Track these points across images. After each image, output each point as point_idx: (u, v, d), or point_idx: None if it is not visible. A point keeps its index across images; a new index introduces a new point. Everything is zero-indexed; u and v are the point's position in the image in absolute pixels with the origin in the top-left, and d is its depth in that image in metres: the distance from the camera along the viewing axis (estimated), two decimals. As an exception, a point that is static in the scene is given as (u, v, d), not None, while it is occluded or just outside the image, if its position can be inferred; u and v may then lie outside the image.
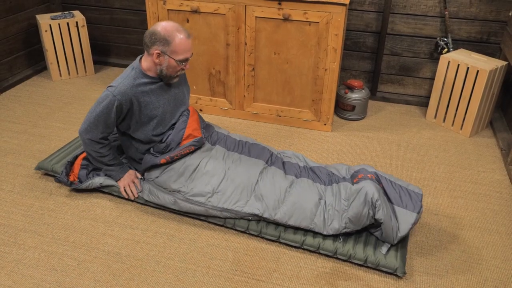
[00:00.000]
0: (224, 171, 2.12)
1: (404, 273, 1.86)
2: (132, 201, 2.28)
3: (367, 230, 2.04)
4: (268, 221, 2.07)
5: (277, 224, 2.06)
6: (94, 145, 2.15)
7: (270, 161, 2.25)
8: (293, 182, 2.12)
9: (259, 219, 2.07)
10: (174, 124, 2.23)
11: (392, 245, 1.95)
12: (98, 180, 2.27)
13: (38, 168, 2.42)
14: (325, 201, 2.04)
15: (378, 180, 2.04)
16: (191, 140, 2.16)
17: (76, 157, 2.36)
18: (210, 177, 2.11)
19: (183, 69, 2.11)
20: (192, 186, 2.12)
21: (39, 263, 1.92)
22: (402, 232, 1.91)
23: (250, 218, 2.07)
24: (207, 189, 2.10)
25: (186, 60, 2.07)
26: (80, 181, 2.28)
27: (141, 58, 2.14)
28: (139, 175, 2.29)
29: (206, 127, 2.35)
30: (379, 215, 1.89)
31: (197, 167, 2.14)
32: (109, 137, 2.22)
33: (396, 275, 1.90)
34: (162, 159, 2.13)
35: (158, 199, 2.17)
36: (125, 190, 2.24)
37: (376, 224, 1.97)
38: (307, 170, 2.22)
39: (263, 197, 2.05)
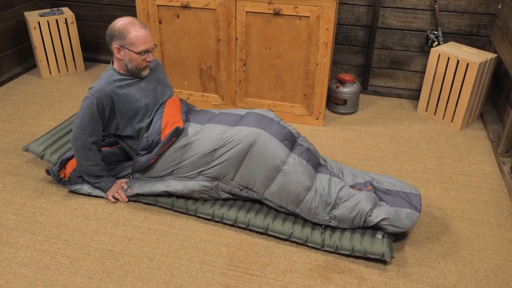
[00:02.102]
0: (215, 146, 2.10)
1: (392, 257, 1.88)
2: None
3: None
4: (256, 195, 2.09)
5: (265, 201, 2.08)
6: (85, 152, 2.15)
7: (267, 127, 2.15)
8: (288, 159, 2.06)
9: (249, 196, 2.11)
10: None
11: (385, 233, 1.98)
12: (87, 189, 2.27)
13: (27, 149, 2.42)
14: (316, 188, 2.03)
15: (374, 190, 2.08)
16: (170, 131, 2.14)
17: (72, 156, 2.31)
18: (202, 154, 2.11)
19: (148, 61, 2.15)
20: (182, 164, 2.15)
21: (32, 261, 1.91)
22: (404, 229, 1.95)
23: (240, 188, 2.10)
24: (199, 163, 2.12)
25: (146, 51, 2.12)
26: (69, 182, 2.27)
27: (113, 61, 2.22)
28: (126, 180, 2.29)
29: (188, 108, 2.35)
30: (381, 213, 1.93)
31: (186, 145, 2.14)
32: (98, 144, 2.20)
33: (391, 272, 1.91)
34: (151, 159, 2.15)
35: (149, 188, 2.18)
36: (113, 197, 2.25)
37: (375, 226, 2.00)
38: (303, 149, 2.18)
39: (254, 171, 2.05)
